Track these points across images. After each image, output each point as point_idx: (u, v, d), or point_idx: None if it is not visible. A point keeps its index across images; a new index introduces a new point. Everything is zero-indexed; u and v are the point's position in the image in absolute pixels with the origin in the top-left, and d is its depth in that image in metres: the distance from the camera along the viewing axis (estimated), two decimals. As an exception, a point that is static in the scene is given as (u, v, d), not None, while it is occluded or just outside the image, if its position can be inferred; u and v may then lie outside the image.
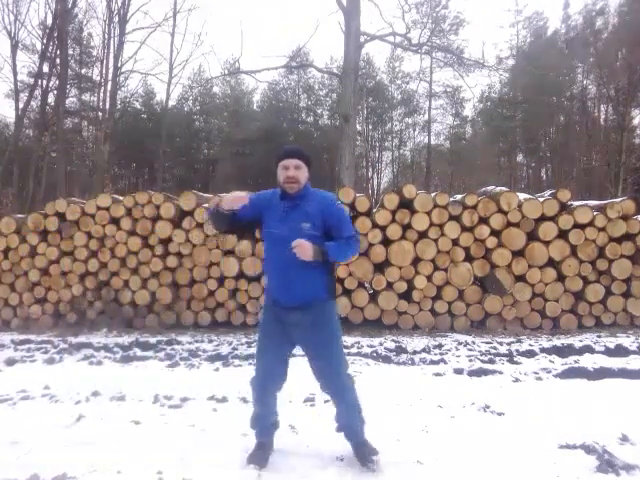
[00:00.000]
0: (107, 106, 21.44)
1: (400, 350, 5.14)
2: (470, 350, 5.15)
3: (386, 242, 6.34)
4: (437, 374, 4.36)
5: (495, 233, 6.26)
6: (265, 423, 2.62)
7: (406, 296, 6.34)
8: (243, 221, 2.54)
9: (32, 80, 21.57)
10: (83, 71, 26.12)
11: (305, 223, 2.37)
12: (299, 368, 4.55)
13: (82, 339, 5.79)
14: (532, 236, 6.27)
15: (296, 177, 2.40)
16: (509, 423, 2.99)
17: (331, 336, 2.48)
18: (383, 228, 6.31)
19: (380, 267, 6.44)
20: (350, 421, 2.53)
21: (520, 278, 6.24)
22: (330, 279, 2.53)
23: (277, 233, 2.42)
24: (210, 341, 5.64)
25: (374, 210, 6.51)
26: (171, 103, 27.42)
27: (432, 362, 4.75)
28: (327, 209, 2.44)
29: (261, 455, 2.53)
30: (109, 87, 21.18)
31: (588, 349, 5.09)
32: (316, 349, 2.47)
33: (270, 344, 2.52)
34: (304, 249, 2.26)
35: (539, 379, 4.19)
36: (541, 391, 3.78)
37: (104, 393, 3.73)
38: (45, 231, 6.80)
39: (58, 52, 19.65)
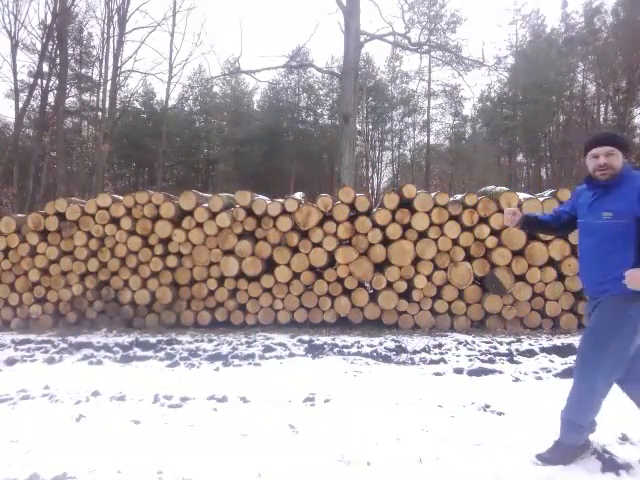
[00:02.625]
0: (107, 106, 21.48)
1: (400, 350, 5.13)
2: (470, 350, 5.14)
3: (386, 242, 6.34)
4: (437, 374, 4.36)
5: (495, 233, 6.25)
6: (594, 425, 2.47)
7: (406, 296, 6.34)
8: (562, 220, 2.66)
9: (32, 80, 21.55)
10: (83, 71, 26.13)
11: (606, 212, 2.28)
12: (299, 368, 4.56)
13: (82, 339, 5.79)
14: (532, 236, 6.27)
15: (607, 164, 2.30)
16: (509, 423, 2.99)
17: (609, 335, 2.26)
18: (383, 228, 6.31)
19: (380, 267, 6.45)
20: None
21: (520, 278, 6.24)
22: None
23: (582, 222, 2.45)
24: (210, 341, 5.64)
25: (374, 210, 6.51)
26: (171, 103, 27.44)
27: (432, 362, 4.75)
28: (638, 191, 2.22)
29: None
30: (109, 87, 21.21)
31: (588, 349, 5.08)
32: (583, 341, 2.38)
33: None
34: (634, 278, 2.11)
35: (539, 379, 4.19)
36: (541, 391, 3.77)
37: (104, 393, 3.73)
38: (45, 231, 6.80)
39: (58, 52, 19.65)
